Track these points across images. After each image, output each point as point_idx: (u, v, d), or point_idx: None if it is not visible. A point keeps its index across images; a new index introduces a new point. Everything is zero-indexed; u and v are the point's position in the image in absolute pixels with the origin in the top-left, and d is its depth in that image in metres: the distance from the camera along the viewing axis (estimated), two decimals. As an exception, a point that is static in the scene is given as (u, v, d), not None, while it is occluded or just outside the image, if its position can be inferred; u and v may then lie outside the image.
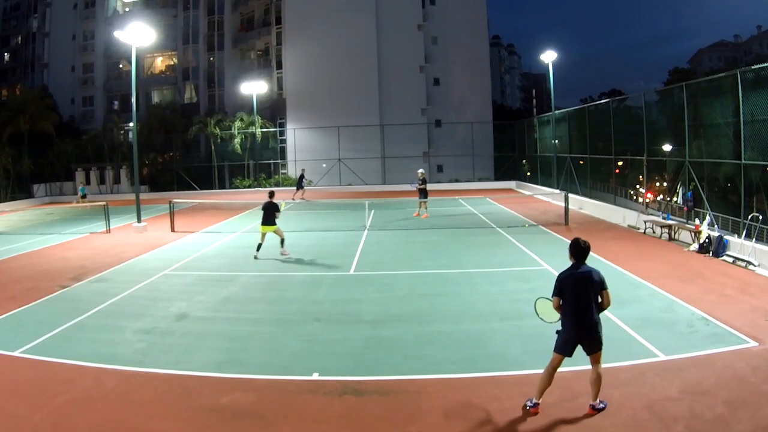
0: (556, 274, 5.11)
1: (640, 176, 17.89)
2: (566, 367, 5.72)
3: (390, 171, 34.90)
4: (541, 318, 5.06)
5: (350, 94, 34.99)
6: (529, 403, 4.87)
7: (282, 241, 12.38)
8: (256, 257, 12.09)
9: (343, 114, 33.93)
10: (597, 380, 4.77)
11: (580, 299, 4.79)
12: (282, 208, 12.64)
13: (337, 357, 6.36)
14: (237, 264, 11.84)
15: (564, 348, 4.82)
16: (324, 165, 33.32)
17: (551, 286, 4.98)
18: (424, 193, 18.50)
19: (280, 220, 12.60)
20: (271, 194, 12.72)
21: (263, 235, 12.32)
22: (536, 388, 4.86)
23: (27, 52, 45.55)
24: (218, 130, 34.13)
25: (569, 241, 4.99)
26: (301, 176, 27.21)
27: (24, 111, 33.20)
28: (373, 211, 19.13)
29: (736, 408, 4.77)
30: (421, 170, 19.08)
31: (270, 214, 12.23)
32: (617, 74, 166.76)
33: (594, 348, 4.80)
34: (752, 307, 7.65)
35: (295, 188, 27.31)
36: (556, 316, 4.92)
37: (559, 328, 4.89)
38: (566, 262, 5.05)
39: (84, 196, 27.86)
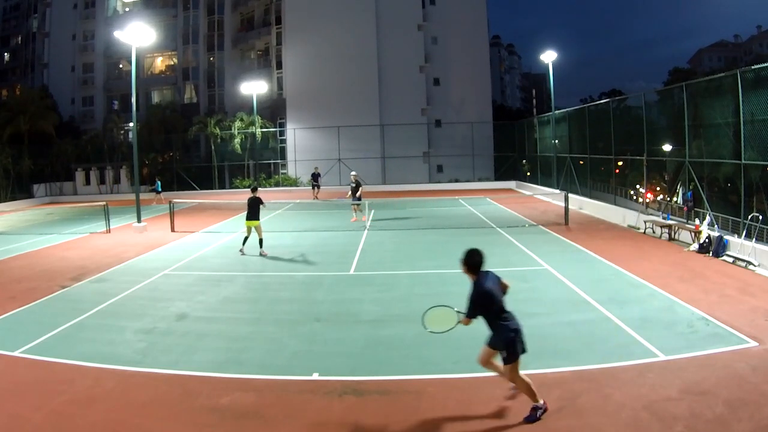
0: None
1: (643, 177, 17.88)
2: (566, 367, 5.74)
3: (390, 171, 34.92)
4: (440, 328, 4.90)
5: (350, 94, 34.98)
6: (539, 412, 4.68)
7: (260, 241, 12.53)
8: (241, 251, 12.48)
9: (343, 114, 33.93)
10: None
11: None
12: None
13: (337, 357, 6.35)
14: (237, 264, 11.83)
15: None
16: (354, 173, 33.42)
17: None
18: (357, 197, 17.33)
19: (265, 218, 12.70)
20: (254, 189, 13.01)
21: (248, 229, 12.58)
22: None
23: (27, 52, 45.55)
24: (218, 130, 34.13)
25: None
26: (316, 175, 27.01)
27: (24, 111, 33.23)
28: (373, 211, 19.14)
29: (736, 408, 4.77)
30: (354, 173, 17.94)
31: (253, 208, 12.43)
32: (617, 74, 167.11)
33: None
34: (752, 307, 7.65)
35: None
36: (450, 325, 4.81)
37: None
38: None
39: (159, 192, 27.28)
